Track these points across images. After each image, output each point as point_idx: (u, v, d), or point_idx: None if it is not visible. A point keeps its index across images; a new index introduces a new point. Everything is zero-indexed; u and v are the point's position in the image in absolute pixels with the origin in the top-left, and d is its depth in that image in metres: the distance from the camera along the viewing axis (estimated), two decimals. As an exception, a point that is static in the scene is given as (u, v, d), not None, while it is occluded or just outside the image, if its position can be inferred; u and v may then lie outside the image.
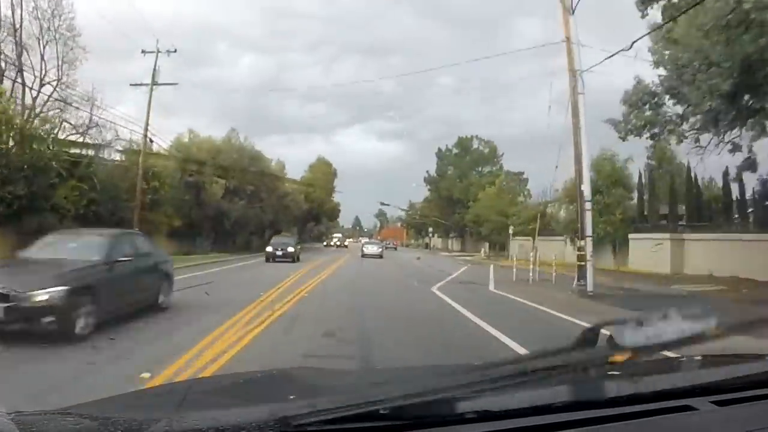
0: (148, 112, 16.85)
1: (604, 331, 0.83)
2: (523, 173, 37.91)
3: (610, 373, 0.99)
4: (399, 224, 70.83)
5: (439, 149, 47.01)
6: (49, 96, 14.46)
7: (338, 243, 49.65)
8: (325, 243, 48.70)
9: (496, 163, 44.29)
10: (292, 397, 0.89)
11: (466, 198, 41.39)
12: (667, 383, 0.92)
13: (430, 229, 50.27)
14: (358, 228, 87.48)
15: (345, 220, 78.96)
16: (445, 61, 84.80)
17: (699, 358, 1.15)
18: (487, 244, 38.21)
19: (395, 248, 46.90)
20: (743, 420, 0.86)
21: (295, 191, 35.84)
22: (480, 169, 44.64)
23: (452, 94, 77.07)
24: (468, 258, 28.81)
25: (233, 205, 24.99)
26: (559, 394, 0.88)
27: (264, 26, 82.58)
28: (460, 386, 0.80)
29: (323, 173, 45.35)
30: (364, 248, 26.38)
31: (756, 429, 0.82)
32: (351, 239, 68.96)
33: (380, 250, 26.77)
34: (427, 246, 57.50)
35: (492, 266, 14.40)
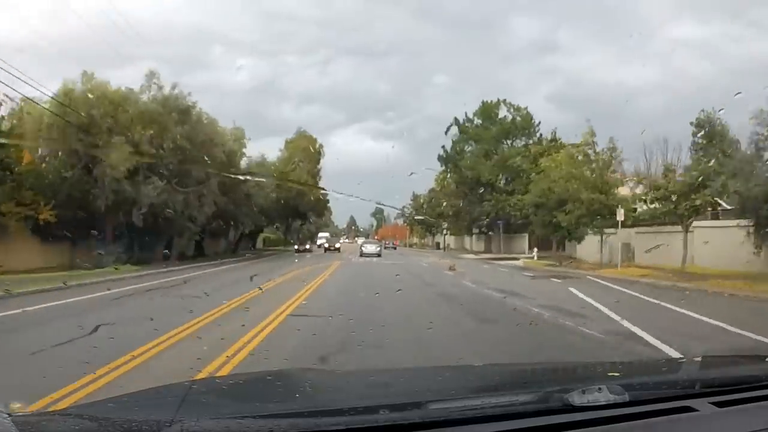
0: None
1: None
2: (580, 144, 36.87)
3: (610, 374, 1.41)
4: (402, 221, 76.39)
5: (456, 119, 46.90)
6: None
7: (327, 245, 48.62)
8: (297, 247, 45.93)
9: (532, 135, 44.49)
10: (292, 397, 1.30)
11: (496, 179, 41.71)
12: (667, 384, 1.33)
13: (444, 225, 51.06)
14: (353, 227, 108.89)
15: (340, 220, 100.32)
16: (441, 62, 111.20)
17: (699, 358, 1.58)
18: (526, 242, 38.74)
19: (395, 248, 56.07)
20: (743, 420, 1.24)
21: (263, 172, 34.90)
22: (510, 142, 45.12)
23: (449, 93, 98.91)
24: (517, 263, 27.53)
25: (146, 188, 21.47)
26: (560, 396, 1.26)
27: (260, 30, 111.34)
28: (460, 387, 1.20)
29: (303, 151, 45.31)
30: (362, 248, 37.30)
31: (756, 430, 1.21)
32: (346, 239, 79.94)
33: (378, 249, 37.85)
34: (438, 246, 59.81)
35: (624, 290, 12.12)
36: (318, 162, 47.81)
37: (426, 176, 52.99)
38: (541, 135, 43.79)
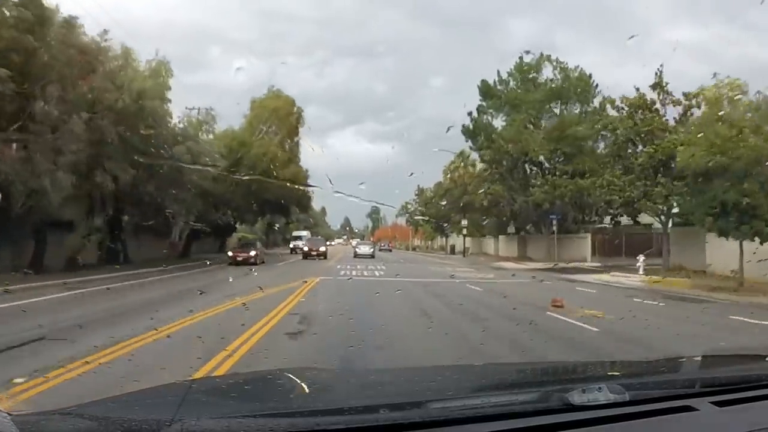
0: None
1: None
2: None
3: (610, 373, 1.98)
4: (404, 221, 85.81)
5: (484, 81, 48.01)
6: None
7: (307, 249, 47.81)
8: (231, 254, 37.90)
9: (589, 99, 45.16)
10: (292, 396, 1.85)
11: (550, 156, 42.05)
12: (668, 383, 1.91)
13: (464, 223, 52.32)
14: (348, 228, 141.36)
15: (334, 221, 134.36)
16: (439, 63, 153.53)
17: (699, 358, 2.19)
18: (588, 244, 39.00)
19: (390, 250, 71.21)
20: (743, 420, 1.77)
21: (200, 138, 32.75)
22: (559, 110, 46.10)
23: (444, 94, 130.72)
24: (629, 282, 25.00)
25: None
26: (560, 395, 1.79)
27: (257, 29, 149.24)
28: (460, 387, 1.75)
29: (274, 113, 45.55)
30: (356, 249, 50.57)
31: (756, 429, 1.73)
32: (340, 240, 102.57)
33: (372, 250, 50.28)
34: (453, 249, 63.30)
35: None
36: (296, 132, 48.51)
37: (428, 173, 61.32)
38: (604, 97, 44.20)
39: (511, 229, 50.91)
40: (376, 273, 28.94)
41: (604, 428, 1.75)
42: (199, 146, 32.68)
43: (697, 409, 1.84)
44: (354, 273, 28.56)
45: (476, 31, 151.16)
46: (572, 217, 42.98)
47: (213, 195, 35.96)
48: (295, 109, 48.89)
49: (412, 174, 74.23)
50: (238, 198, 41.53)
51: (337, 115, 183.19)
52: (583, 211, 43.12)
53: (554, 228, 41.11)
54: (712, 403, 1.88)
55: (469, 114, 48.59)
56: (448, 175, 57.24)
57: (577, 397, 1.80)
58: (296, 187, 44.86)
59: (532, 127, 44.38)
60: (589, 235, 42.15)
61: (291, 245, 60.24)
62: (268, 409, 1.84)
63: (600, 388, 1.83)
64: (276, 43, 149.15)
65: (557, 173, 41.65)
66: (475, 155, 50.95)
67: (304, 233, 65.49)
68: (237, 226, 54.85)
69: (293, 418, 1.71)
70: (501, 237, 55.35)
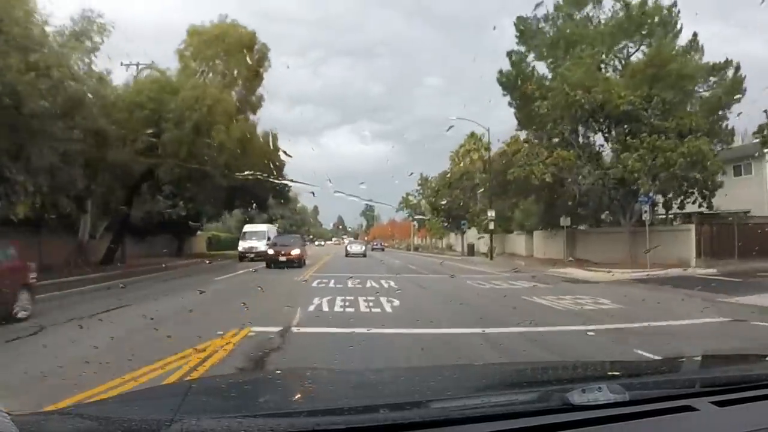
0: None
1: None
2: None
3: (610, 373, 2.92)
4: (406, 217, 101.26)
5: (521, 18, 48.93)
6: None
7: (272, 253, 44.12)
8: None
9: (666, 34, 45.72)
10: (292, 397, 2.73)
11: (647, 106, 40.69)
12: (668, 383, 2.84)
13: (490, 214, 54.33)
14: (340, 227, 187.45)
15: (327, 220, 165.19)
16: (433, 62, 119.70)
17: (699, 358, 3.14)
18: (690, 240, 38.54)
19: (382, 249, 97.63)
20: (743, 420, 2.63)
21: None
22: (630, 48, 47.10)
23: (440, 94, 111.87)
24: None
25: None
26: (560, 395, 2.61)
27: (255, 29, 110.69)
28: (460, 386, 2.64)
29: (219, 43, 44.96)
30: (348, 248, 74.55)
31: (756, 429, 2.58)
32: (335, 239, 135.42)
33: (363, 249, 73.94)
34: (473, 249, 67.81)
35: None
36: (258, 77, 48.14)
37: (428, 172, 78.58)
38: (697, 40, 44.74)
39: (564, 220, 49.47)
40: (386, 306, 20.94)
41: (604, 428, 2.46)
42: (60, 59, 29.06)
43: (697, 409, 2.63)
44: (339, 306, 20.90)
45: (473, 31, 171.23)
46: (664, 200, 42.49)
47: (120, 165, 34.18)
48: (257, 46, 48.18)
49: (411, 174, 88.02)
50: (168, 174, 41.00)
51: (331, 115, 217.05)
52: (684, 191, 41.88)
53: (646, 216, 38.36)
54: (712, 403, 2.68)
55: (509, 54, 49.06)
56: (458, 163, 62.02)
57: (577, 397, 2.52)
58: (255, 149, 43.71)
59: (603, 67, 44.84)
60: (692, 227, 40.49)
61: (240, 248, 57.92)
62: (268, 409, 2.61)
63: (600, 388, 2.57)
64: (275, 44, 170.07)
65: (652, 132, 39.90)
66: (501, 128, 52.30)
67: (264, 228, 62.22)
68: (205, 221, 57.68)
69: (293, 418, 2.38)
70: (536, 233, 57.34)
